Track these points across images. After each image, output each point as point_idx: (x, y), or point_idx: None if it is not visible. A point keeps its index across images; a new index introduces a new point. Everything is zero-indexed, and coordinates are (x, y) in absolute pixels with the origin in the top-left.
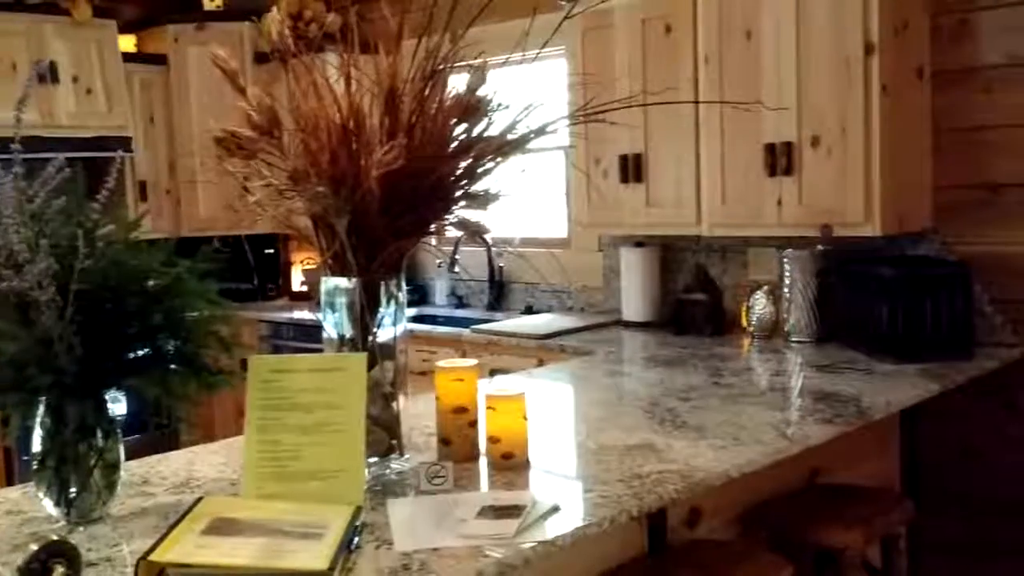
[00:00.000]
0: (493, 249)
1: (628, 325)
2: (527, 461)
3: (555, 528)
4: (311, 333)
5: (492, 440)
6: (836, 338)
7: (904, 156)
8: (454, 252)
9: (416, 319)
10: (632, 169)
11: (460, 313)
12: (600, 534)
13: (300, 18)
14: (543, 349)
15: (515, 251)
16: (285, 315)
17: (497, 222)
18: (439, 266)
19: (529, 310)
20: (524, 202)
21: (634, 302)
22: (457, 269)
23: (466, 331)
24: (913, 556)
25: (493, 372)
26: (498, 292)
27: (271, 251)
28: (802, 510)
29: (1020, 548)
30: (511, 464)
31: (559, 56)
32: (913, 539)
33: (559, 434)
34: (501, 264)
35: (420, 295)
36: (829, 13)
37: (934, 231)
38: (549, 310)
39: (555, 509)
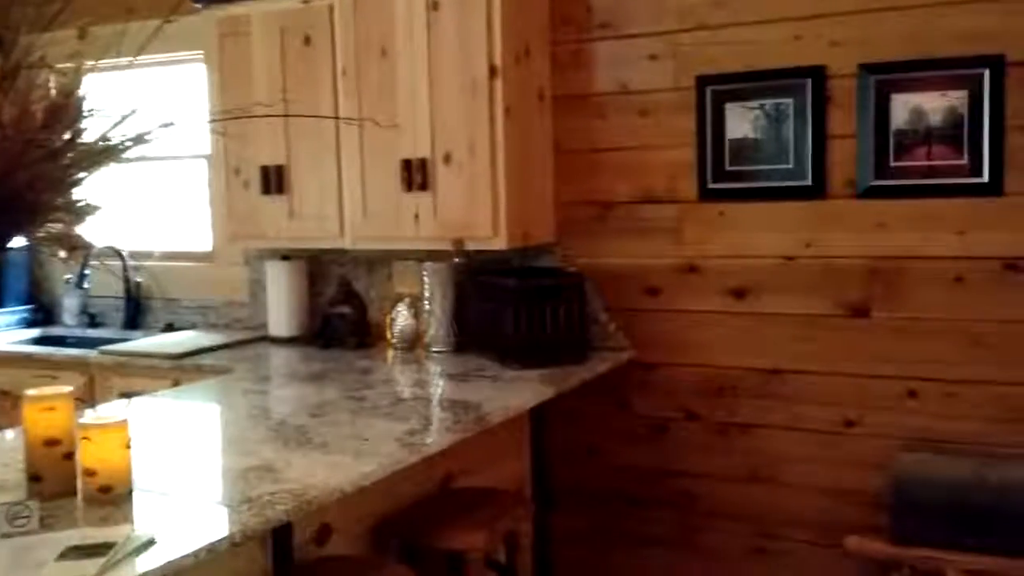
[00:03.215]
0: (129, 263)
1: (275, 341)
2: (130, 493)
3: (147, 563)
4: None
5: (88, 473)
6: (472, 347)
7: (528, 174)
8: (83, 267)
9: (40, 340)
10: (274, 180)
11: (92, 333)
12: (210, 561)
13: None
14: (179, 369)
15: (154, 265)
16: None
17: (134, 235)
18: (67, 282)
19: (170, 327)
20: (163, 213)
21: (280, 317)
22: (87, 285)
23: (94, 352)
24: (544, 550)
25: (124, 396)
26: (135, 309)
27: None
28: (430, 517)
29: (637, 536)
30: (110, 498)
31: (198, 61)
32: (543, 534)
33: (174, 461)
34: (139, 279)
35: (46, 314)
36: (457, 37)
37: (556, 245)
38: (193, 327)
39: (151, 542)
